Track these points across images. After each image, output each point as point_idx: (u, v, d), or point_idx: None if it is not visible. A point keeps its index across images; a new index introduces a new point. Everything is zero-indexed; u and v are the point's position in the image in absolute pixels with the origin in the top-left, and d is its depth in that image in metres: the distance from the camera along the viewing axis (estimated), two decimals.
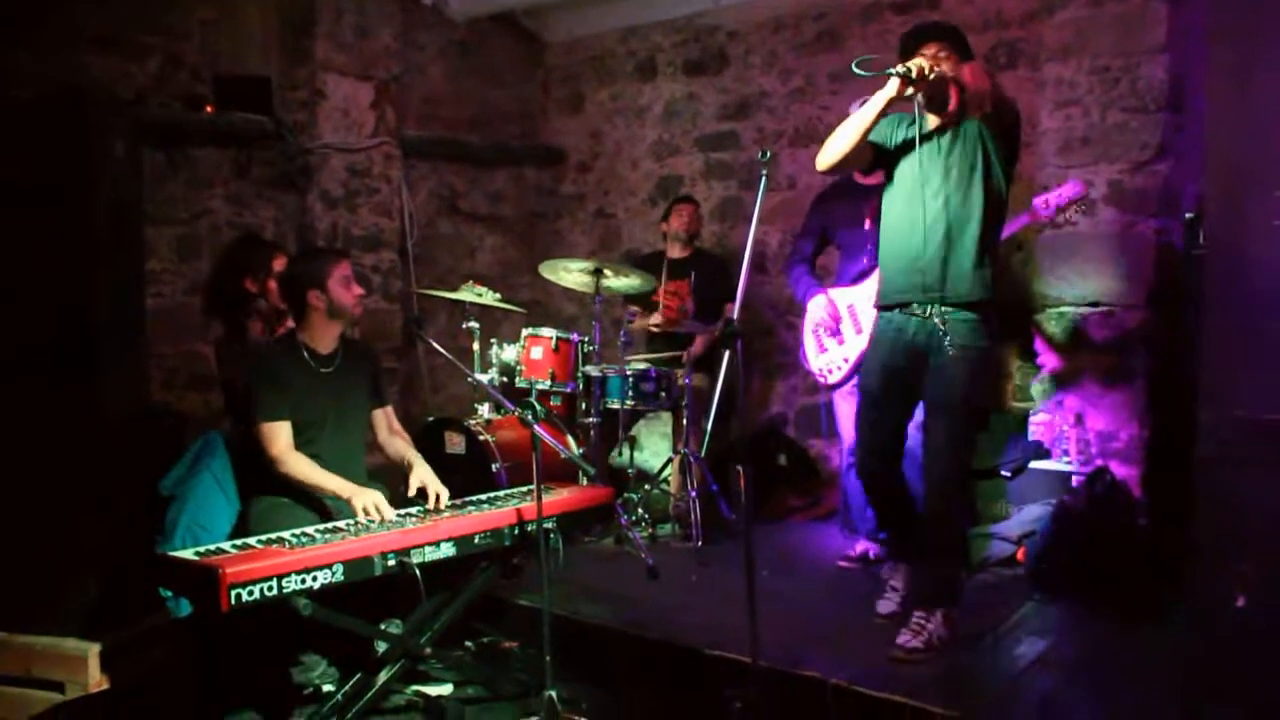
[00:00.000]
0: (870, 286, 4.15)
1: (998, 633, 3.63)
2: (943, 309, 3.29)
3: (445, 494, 3.52)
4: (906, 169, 3.39)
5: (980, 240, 3.29)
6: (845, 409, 4.47)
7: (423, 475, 3.56)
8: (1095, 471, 4.21)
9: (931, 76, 3.13)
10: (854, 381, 4.25)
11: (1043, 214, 3.99)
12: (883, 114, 3.26)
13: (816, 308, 4.43)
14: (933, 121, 3.36)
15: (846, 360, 4.33)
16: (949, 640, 3.35)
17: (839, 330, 4.37)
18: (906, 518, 3.57)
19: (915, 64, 3.13)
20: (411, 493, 3.51)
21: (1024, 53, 5.10)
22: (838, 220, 4.49)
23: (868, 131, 3.29)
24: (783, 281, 6.09)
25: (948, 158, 3.31)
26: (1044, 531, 4.16)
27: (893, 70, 3.13)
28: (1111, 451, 4.35)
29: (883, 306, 3.50)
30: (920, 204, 3.29)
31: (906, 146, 3.37)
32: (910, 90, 3.16)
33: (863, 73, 3.08)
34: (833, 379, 4.41)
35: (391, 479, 3.70)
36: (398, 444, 3.75)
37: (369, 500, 3.32)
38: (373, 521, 3.28)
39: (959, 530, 3.49)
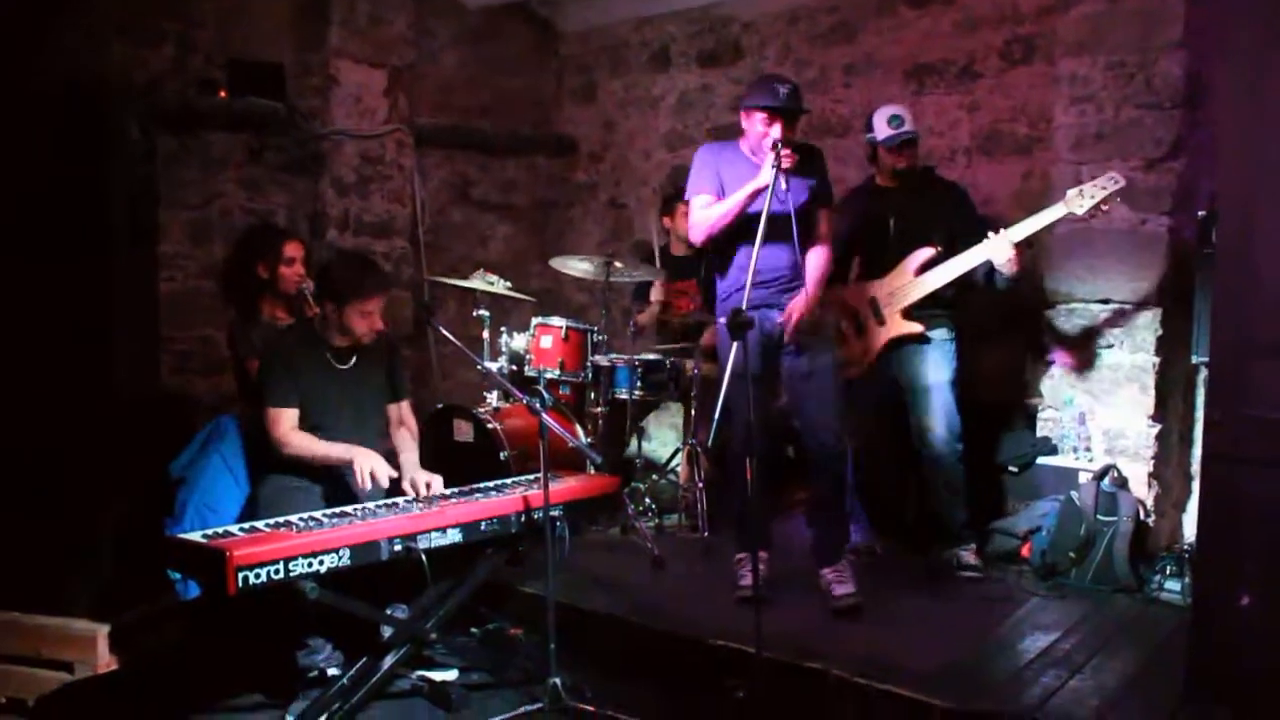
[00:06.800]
0: (893, 280, 4.18)
1: (1002, 627, 3.64)
2: None
3: (437, 480, 3.50)
4: None
5: None
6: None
7: (410, 473, 3.53)
8: (1103, 468, 4.21)
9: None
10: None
11: (1079, 209, 3.93)
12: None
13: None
14: None
15: (867, 352, 4.32)
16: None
17: (858, 321, 4.35)
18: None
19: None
20: (409, 490, 3.48)
21: (1039, 48, 5.06)
22: (860, 222, 4.45)
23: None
24: None
25: None
26: (1050, 527, 4.17)
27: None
28: (1119, 448, 4.34)
29: None
30: None
31: None
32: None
33: None
34: (853, 373, 4.35)
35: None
36: (399, 438, 3.73)
37: (368, 463, 3.35)
38: (381, 507, 3.30)
39: None
